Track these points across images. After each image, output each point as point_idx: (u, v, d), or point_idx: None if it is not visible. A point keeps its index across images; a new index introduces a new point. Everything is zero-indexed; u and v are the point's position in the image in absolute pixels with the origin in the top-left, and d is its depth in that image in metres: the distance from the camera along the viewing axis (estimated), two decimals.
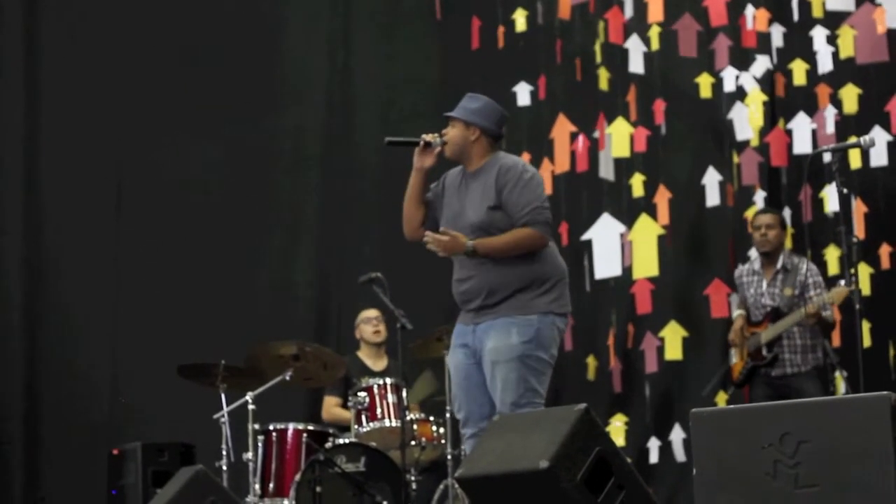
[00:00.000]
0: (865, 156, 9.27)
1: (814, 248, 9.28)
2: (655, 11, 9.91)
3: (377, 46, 11.15)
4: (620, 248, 9.88)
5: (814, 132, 9.61)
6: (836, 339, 9.00)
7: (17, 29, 10.73)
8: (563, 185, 10.17)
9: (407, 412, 8.44)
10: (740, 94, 9.94)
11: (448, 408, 8.34)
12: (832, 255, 9.40)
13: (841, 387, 8.86)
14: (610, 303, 10.20)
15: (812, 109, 9.68)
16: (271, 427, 8.34)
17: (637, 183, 9.98)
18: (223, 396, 8.22)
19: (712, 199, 9.91)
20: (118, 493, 9.19)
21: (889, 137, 9.23)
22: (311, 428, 8.42)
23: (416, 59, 11.13)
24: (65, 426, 10.32)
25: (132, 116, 10.68)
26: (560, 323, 6.35)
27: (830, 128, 9.47)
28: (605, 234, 9.90)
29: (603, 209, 10.00)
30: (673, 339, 9.84)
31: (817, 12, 9.65)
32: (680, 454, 9.81)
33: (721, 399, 9.47)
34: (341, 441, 8.23)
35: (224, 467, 8.09)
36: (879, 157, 9.24)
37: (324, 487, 7.81)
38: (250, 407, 8.17)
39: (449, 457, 8.36)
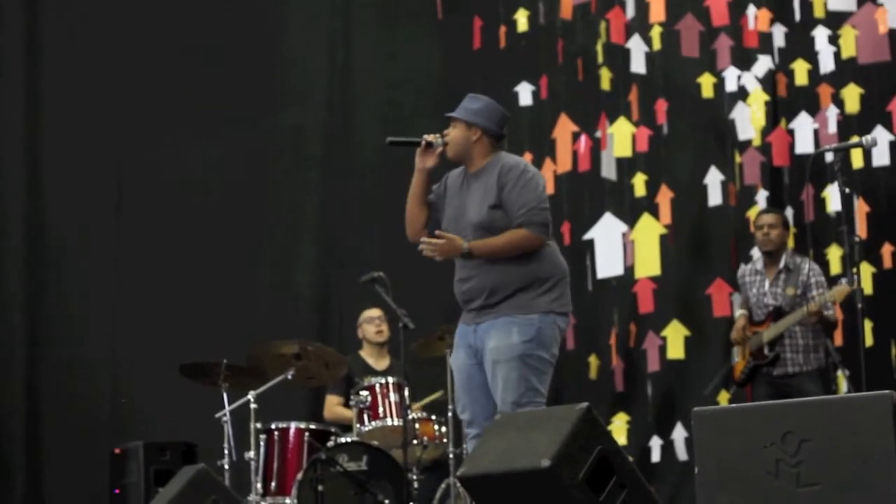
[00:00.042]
0: (867, 155, 9.27)
1: (816, 248, 9.28)
2: (657, 11, 9.91)
3: (378, 46, 11.15)
4: (622, 247, 9.88)
5: (816, 132, 9.61)
6: (838, 338, 9.01)
7: (18, 29, 10.73)
8: (565, 185, 10.17)
9: (409, 411, 8.44)
10: (742, 93, 9.94)
11: (450, 407, 8.35)
12: (834, 254, 9.40)
13: (843, 386, 8.86)
14: (612, 302, 10.20)
15: (814, 109, 9.69)
16: (273, 426, 8.34)
17: (639, 182, 9.98)
18: (225, 395, 8.21)
19: (714, 198, 9.92)
20: (120, 493, 9.20)
21: (891, 137, 9.22)
22: (312, 427, 8.42)
23: (418, 59, 11.13)
24: (66, 426, 10.32)
25: (132, 116, 10.67)
26: (561, 322, 6.35)
27: (832, 127, 9.47)
28: (607, 233, 9.90)
29: (605, 209, 10.00)
30: (675, 338, 9.84)
31: (819, 12, 9.65)
32: (682, 453, 9.81)
33: (723, 398, 9.48)
34: (343, 440, 8.23)
35: (226, 466, 8.08)
36: (881, 157, 9.24)
37: (326, 486, 7.81)
38: (252, 406, 8.16)
39: (451, 456, 8.37)
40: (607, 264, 9.86)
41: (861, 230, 9.11)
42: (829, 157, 8.28)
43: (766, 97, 9.88)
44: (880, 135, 9.04)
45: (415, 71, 11.10)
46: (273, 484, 8.24)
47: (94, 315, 10.53)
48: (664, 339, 9.88)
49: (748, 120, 9.87)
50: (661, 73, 10.18)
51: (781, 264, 8.70)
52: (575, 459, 4.96)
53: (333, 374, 8.72)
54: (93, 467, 9.77)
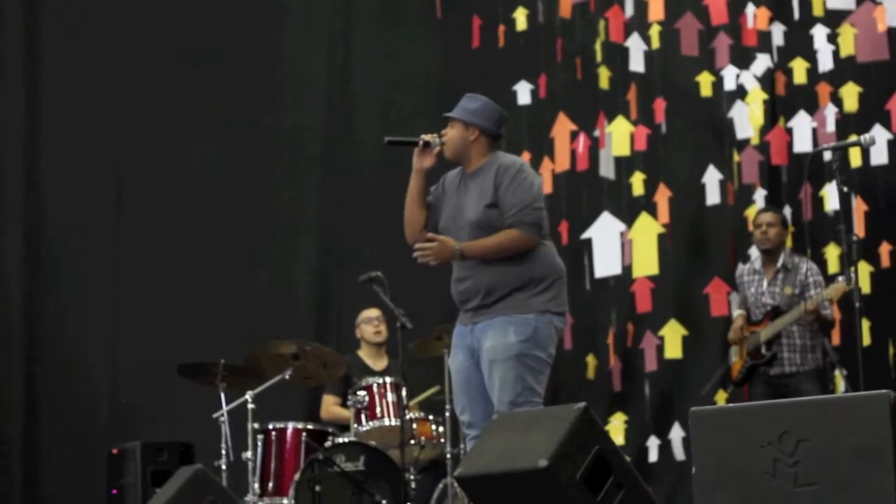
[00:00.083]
0: (866, 154, 9.27)
1: (814, 247, 9.28)
2: (656, 10, 9.90)
3: (377, 45, 11.15)
4: (620, 246, 9.88)
5: (814, 131, 9.61)
6: (836, 338, 9.00)
7: (18, 29, 10.72)
8: (564, 184, 10.17)
9: (406, 411, 8.44)
10: (741, 92, 9.93)
11: (448, 407, 8.34)
12: (832, 253, 9.40)
13: (840, 385, 8.86)
14: (610, 301, 10.19)
15: (812, 108, 9.68)
16: (271, 426, 8.34)
17: (637, 181, 9.98)
18: (223, 395, 8.21)
19: (712, 197, 9.91)
20: (118, 493, 9.19)
21: (889, 136, 9.22)
22: (310, 427, 8.41)
23: (417, 58, 11.12)
24: (64, 426, 10.31)
25: (132, 116, 10.67)
26: (558, 322, 6.34)
27: (831, 126, 9.47)
28: (605, 232, 9.89)
29: (603, 208, 10.00)
30: (673, 337, 9.83)
31: (818, 11, 9.65)
32: (679, 453, 9.80)
33: (721, 398, 9.47)
34: (341, 440, 8.22)
35: (223, 466, 8.08)
36: (880, 156, 9.24)
37: (323, 486, 7.80)
38: (250, 406, 8.16)
39: (448, 456, 8.36)
40: (605, 264, 9.85)
41: (859, 229, 9.11)
42: (828, 155, 8.28)
43: (764, 96, 9.88)
44: (879, 133, 9.03)
45: (414, 70, 11.09)
46: (270, 484, 8.24)
47: (92, 315, 10.52)
48: (662, 338, 9.87)
49: (747, 119, 9.86)
50: (659, 71, 10.18)
51: (779, 263, 8.70)
52: (572, 459, 4.95)
53: (331, 375, 8.71)
54: (90, 467, 9.77)
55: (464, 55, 10.52)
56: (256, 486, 8.16)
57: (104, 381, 10.47)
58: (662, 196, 9.87)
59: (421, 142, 6.49)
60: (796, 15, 9.81)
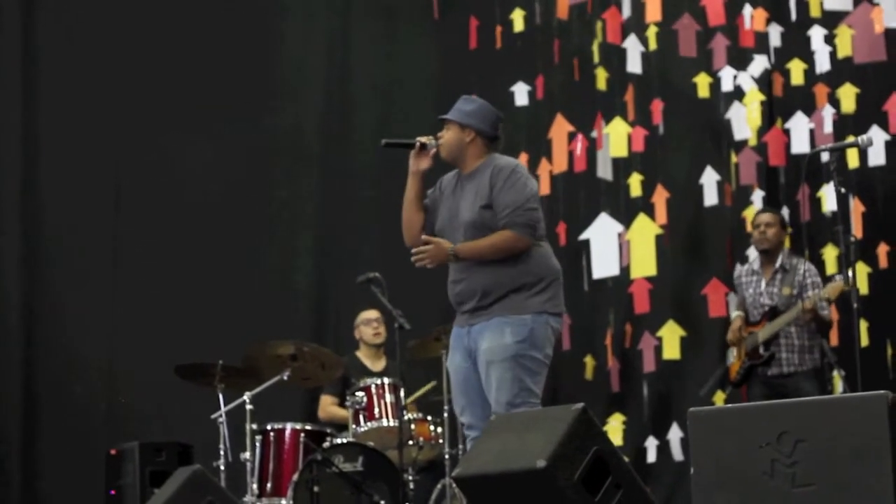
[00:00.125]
0: (863, 155, 9.27)
1: (812, 248, 9.29)
2: (653, 11, 9.91)
3: (375, 46, 11.15)
4: (618, 247, 9.89)
5: (812, 132, 9.61)
6: (834, 339, 9.01)
7: (15, 29, 10.71)
8: (561, 185, 10.18)
9: (404, 412, 8.44)
10: (738, 93, 9.94)
11: (446, 407, 8.34)
12: (830, 254, 9.40)
13: (838, 386, 8.87)
14: (608, 302, 10.20)
15: (810, 109, 9.69)
16: (269, 427, 8.34)
17: (635, 183, 9.98)
18: (221, 396, 8.21)
19: (710, 198, 9.91)
20: (116, 493, 9.19)
21: (887, 137, 9.23)
22: (308, 428, 8.42)
23: (414, 59, 11.13)
24: (62, 426, 10.30)
25: (130, 116, 10.66)
26: (554, 322, 6.35)
27: (828, 127, 9.47)
28: (602, 233, 9.90)
29: (601, 209, 10.00)
30: (671, 338, 9.84)
31: (815, 12, 9.65)
32: (678, 453, 9.81)
33: (719, 399, 9.48)
34: (339, 441, 8.23)
35: (222, 467, 8.07)
36: (877, 157, 9.24)
37: (321, 487, 7.80)
38: (248, 407, 8.16)
39: (446, 456, 8.37)
40: (603, 264, 9.86)
41: (857, 230, 9.11)
42: (825, 156, 8.32)
43: (762, 97, 9.88)
44: (876, 134, 9.04)
45: (411, 71, 11.10)
46: (269, 485, 8.24)
47: (91, 315, 10.51)
48: (660, 339, 9.88)
49: (744, 120, 9.87)
50: (657, 73, 10.18)
51: (778, 264, 8.71)
52: (571, 460, 4.95)
53: (329, 375, 8.71)
54: (89, 468, 9.76)
55: (461, 56, 10.53)
56: (255, 486, 8.16)
57: (102, 381, 10.47)
58: (660, 197, 9.88)
59: (417, 144, 6.50)
60: (793, 16, 9.81)
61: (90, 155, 10.63)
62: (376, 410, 8.54)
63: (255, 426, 8.21)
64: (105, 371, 10.48)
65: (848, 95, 9.49)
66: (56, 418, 10.34)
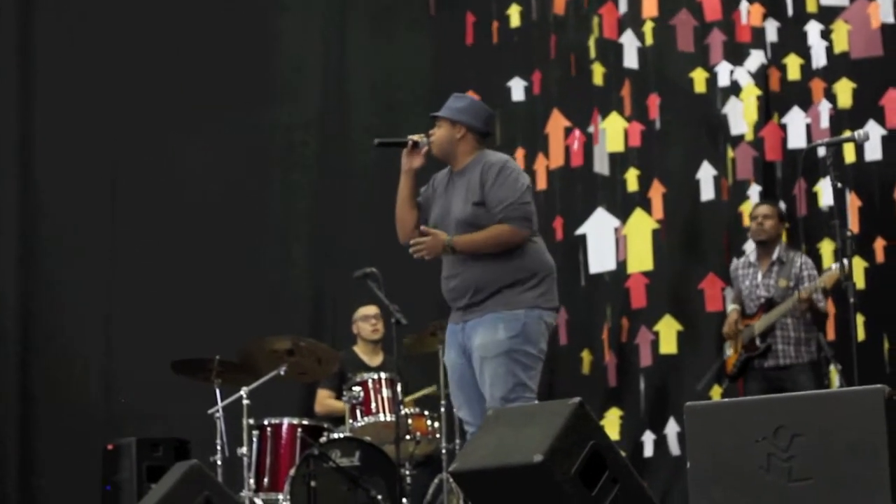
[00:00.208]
0: (860, 150, 9.27)
1: (808, 242, 9.30)
2: (650, 6, 9.91)
3: (371, 43, 11.14)
4: (615, 242, 9.89)
5: (808, 126, 9.62)
6: (831, 333, 9.02)
7: (12, 28, 10.69)
8: (558, 180, 10.18)
9: (401, 406, 8.44)
10: (735, 88, 9.94)
11: (442, 402, 8.35)
12: (826, 248, 9.41)
13: (835, 380, 8.87)
14: (604, 297, 10.20)
15: (806, 104, 9.69)
16: (266, 422, 8.34)
17: (631, 177, 9.98)
18: (218, 391, 8.21)
19: (707, 193, 9.92)
20: (112, 489, 9.18)
21: (883, 131, 9.23)
22: (305, 423, 8.42)
23: (411, 55, 11.13)
24: (59, 421, 10.30)
25: (127, 115, 10.64)
26: (548, 317, 6.35)
27: (825, 122, 9.48)
28: (599, 228, 9.90)
29: (597, 204, 10.01)
30: (667, 333, 9.84)
31: (811, 7, 9.66)
32: (674, 448, 9.82)
33: (716, 393, 9.48)
34: (336, 435, 8.23)
35: (219, 462, 8.08)
36: (873, 152, 9.25)
37: (318, 482, 7.80)
38: (245, 402, 8.16)
39: (443, 451, 8.37)
40: (600, 259, 9.87)
41: (853, 224, 9.13)
42: (822, 151, 8.34)
43: (758, 92, 9.88)
44: (872, 129, 9.04)
45: (408, 67, 11.09)
46: (266, 480, 8.24)
47: (88, 311, 10.50)
48: (657, 333, 9.88)
49: (741, 115, 9.87)
50: (653, 68, 10.19)
51: (775, 256, 8.72)
52: (567, 454, 4.95)
53: (326, 370, 8.71)
54: (85, 463, 9.75)
55: (458, 52, 10.53)
56: (252, 481, 8.16)
57: (99, 377, 10.46)
58: (657, 192, 9.88)
59: (409, 142, 6.52)
60: (790, 11, 9.82)
61: (87, 154, 10.61)
62: (373, 405, 8.54)
63: (251, 421, 8.21)
64: (102, 367, 10.47)
65: (844, 90, 9.49)
66: (52, 413, 10.33)
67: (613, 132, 9.95)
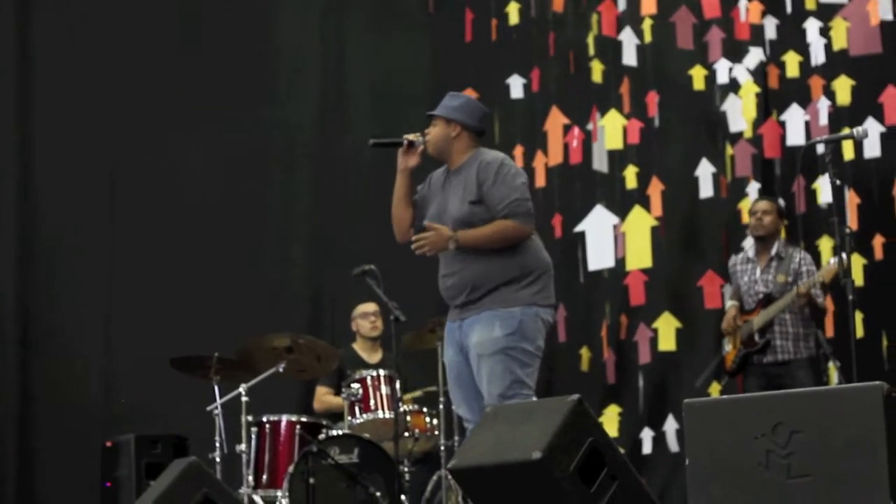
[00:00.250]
0: (858, 147, 9.27)
1: (807, 239, 9.30)
2: (648, 4, 9.92)
3: (370, 40, 11.14)
4: (614, 239, 9.90)
5: (807, 124, 9.62)
6: (830, 330, 9.02)
7: (10, 28, 10.69)
8: (557, 178, 10.18)
9: (400, 403, 8.45)
10: (733, 86, 9.95)
11: (441, 399, 8.35)
12: (825, 246, 9.41)
13: (834, 377, 8.87)
14: (603, 294, 10.21)
15: (805, 101, 9.69)
16: (264, 419, 8.34)
17: (630, 175, 9.99)
18: (216, 388, 8.21)
19: (705, 190, 9.92)
20: (111, 486, 9.19)
21: (882, 129, 9.23)
22: (304, 420, 8.42)
23: (410, 53, 11.12)
24: (58, 418, 10.30)
25: (126, 115, 10.64)
26: (545, 314, 6.35)
27: (824, 119, 9.49)
28: (598, 225, 9.90)
29: (596, 201, 10.01)
30: (666, 330, 9.85)
31: (810, 4, 9.67)
32: (673, 445, 9.82)
33: (715, 390, 9.49)
34: (334, 432, 8.23)
35: (217, 459, 8.08)
36: (872, 149, 9.25)
37: (317, 479, 7.80)
38: (243, 399, 8.16)
39: (442, 448, 8.37)
40: (598, 256, 9.87)
41: (852, 222, 9.13)
42: (821, 148, 8.34)
43: (757, 89, 9.89)
44: (871, 126, 9.04)
45: (407, 65, 11.09)
46: (264, 476, 8.24)
47: (87, 311, 10.50)
48: (655, 331, 9.88)
49: (739, 112, 9.87)
50: (652, 65, 10.19)
51: (773, 252, 8.73)
52: (566, 451, 4.95)
53: (325, 367, 8.71)
54: (84, 460, 9.76)
55: (456, 49, 10.53)
56: (250, 478, 8.16)
57: (98, 374, 10.46)
58: (655, 189, 9.89)
59: (405, 141, 6.52)
60: (789, 8, 9.82)
61: (87, 154, 10.60)
62: (372, 402, 8.54)
63: (250, 418, 8.20)
64: (101, 364, 10.47)
65: (843, 87, 9.49)
66: (51, 410, 10.33)
67: (612, 129, 9.95)
